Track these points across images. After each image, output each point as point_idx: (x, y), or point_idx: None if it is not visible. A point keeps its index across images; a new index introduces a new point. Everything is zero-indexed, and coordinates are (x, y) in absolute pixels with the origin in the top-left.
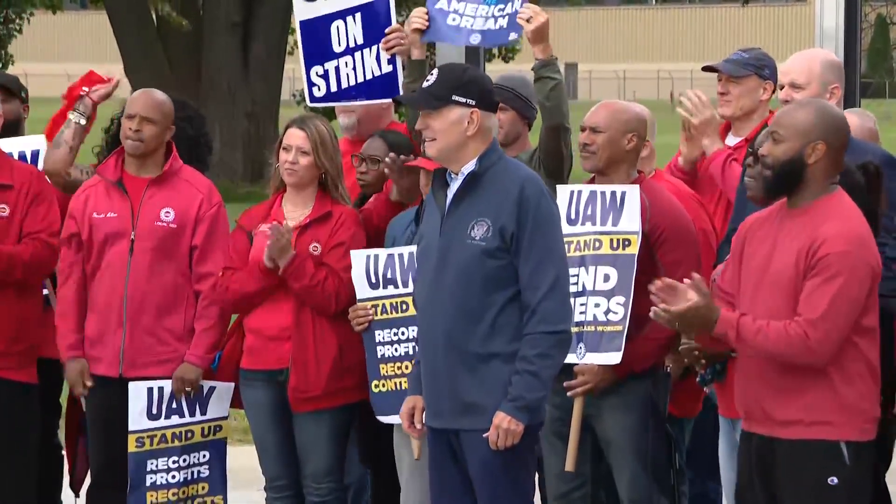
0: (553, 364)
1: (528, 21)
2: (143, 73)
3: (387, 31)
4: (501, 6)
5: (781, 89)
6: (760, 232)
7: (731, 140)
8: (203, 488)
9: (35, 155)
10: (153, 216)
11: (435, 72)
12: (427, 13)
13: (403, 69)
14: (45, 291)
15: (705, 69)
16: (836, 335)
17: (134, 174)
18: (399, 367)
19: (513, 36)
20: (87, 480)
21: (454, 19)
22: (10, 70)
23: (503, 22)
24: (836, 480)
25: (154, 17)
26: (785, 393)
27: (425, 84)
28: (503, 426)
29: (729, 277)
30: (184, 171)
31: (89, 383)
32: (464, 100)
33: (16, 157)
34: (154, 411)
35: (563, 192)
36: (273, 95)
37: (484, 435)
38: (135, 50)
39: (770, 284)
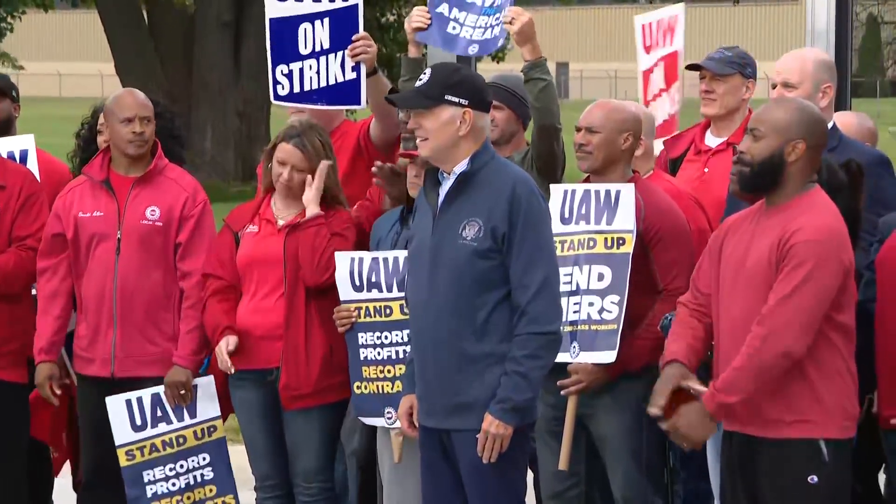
0: (542, 365)
1: (510, 23)
2: (135, 73)
3: (354, 37)
4: (497, 15)
5: (774, 88)
6: (739, 231)
7: (712, 140)
8: (210, 491)
9: (24, 155)
10: (139, 214)
11: (427, 71)
12: (429, 14)
13: (367, 76)
14: (33, 292)
15: (689, 67)
16: (803, 319)
17: (123, 174)
18: (381, 371)
19: (500, 41)
20: None
21: (454, 28)
22: (1, 69)
23: (497, 30)
24: (816, 479)
25: (145, 16)
26: (764, 392)
27: (418, 84)
28: (491, 431)
29: (707, 277)
30: (169, 170)
31: (58, 391)
32: (456, 99)
33: (4, 156)
34: (138, 422)
35: (556, 191)
36: (264, 95)
37: (477, 436)
38: (126, 49)
39: (746, 281)
